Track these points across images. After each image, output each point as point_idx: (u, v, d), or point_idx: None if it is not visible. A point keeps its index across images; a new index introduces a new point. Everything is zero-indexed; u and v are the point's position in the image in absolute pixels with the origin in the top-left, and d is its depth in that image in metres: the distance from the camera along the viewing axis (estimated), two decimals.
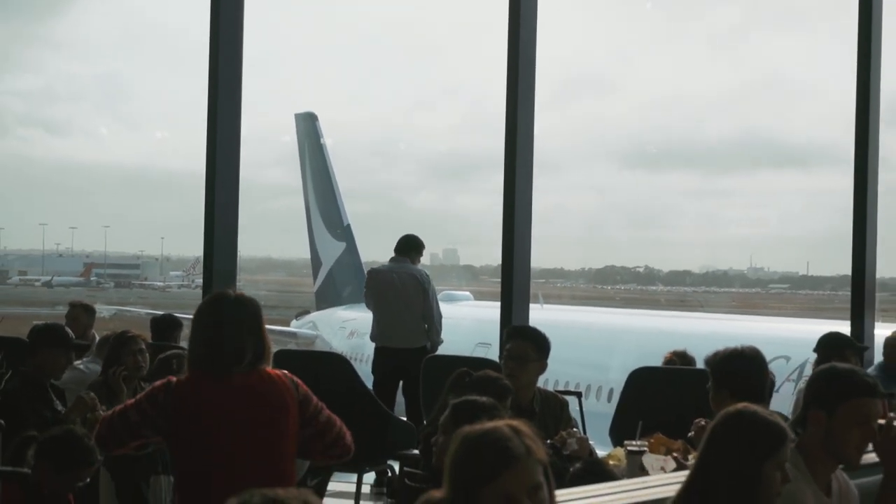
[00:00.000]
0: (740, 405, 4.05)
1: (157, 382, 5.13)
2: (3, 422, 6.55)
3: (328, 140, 30.53)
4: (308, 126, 30.35)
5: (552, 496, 3.26)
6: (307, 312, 32.53)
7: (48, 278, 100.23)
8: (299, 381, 5.15)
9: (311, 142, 30.24)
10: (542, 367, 7.32)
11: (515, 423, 3.26)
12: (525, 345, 7.30)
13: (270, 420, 5.01)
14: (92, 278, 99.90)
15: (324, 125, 30.33)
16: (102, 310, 34.63)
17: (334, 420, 5.19)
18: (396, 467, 8.46)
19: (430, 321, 11.17)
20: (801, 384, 11.08)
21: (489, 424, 3.24)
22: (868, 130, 10.66)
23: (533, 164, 9.81)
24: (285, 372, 5.17)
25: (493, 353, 9.24)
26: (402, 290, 11.25)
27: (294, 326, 31.91)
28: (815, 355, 8.72)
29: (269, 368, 5.13)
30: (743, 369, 5.82)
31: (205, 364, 5.06)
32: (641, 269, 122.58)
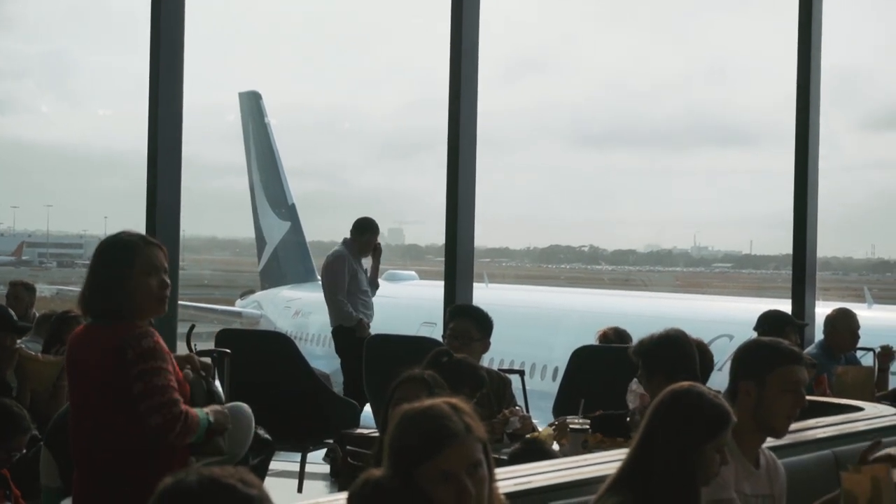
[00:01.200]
0: (686, 384, 4.02)
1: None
2: None
3: (272, 119, 30.47)
4: (252, 105, 30.21)
5: (492, 474, 3.27)
6: (252, 292, 32.50)
7: None
8: (151, 346, 4.51)
9: (256, 121, 30.11)
10: (486, 346, 7.33)
11: (455, 400, 3.26)
12: (468, 324, 7.31)
13: (100, 377, 4.57)
14: (24, 257, 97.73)
15: (268, 104, 30.26)
16: (44, 289, 34.45)
17: (148, 398, 4.47)
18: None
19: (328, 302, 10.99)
20: None
21: (428, 402, 3.24)
22: (809, 111, 10.70)
23: (476, 144, 9.83)
24: (147, 332, 4.55)
25: (438, 333, 9.25)
26: (322, 273, 11.26)
27: (239, 306, 31.90)
28: (756, 334, 8.79)
29: (142, 324, 4.60)
30: (672, 352, 5.87)
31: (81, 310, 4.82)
32: (586, 249, 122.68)
